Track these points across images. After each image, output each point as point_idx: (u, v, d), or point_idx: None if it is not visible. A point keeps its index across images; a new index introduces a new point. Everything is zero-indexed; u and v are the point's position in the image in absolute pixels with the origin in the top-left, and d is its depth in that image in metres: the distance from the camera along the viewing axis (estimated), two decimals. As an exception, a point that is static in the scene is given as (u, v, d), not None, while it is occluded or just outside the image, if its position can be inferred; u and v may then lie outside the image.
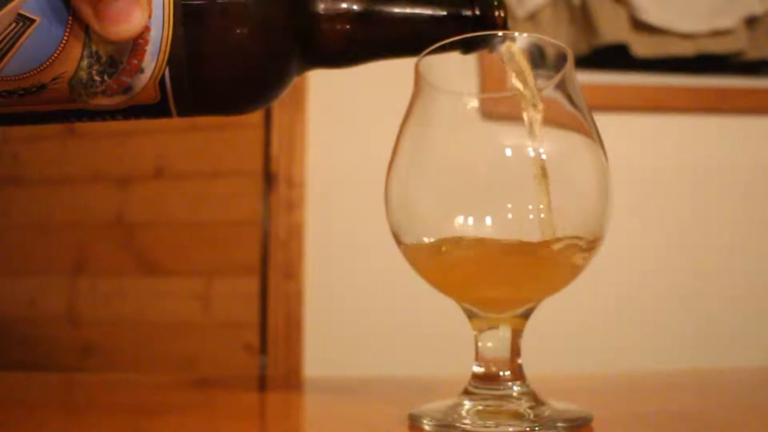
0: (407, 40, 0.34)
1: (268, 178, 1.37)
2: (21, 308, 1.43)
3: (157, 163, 1.42)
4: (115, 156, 1.45)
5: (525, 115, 0.33)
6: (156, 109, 0.31)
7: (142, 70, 0.29)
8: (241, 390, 0.53)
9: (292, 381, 1.02)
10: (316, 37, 0.33)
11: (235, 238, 1.37)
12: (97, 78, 0.28)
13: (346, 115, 1.37)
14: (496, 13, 0.34)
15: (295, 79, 0.35)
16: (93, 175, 1.45)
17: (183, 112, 0.31)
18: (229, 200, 1.39)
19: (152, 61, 0.28)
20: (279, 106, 1.38)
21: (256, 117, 1.40)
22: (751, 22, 1.39)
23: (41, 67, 0.27)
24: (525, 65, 0.33)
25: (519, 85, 0.33)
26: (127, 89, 0.29)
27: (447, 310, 0.52)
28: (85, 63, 0.28)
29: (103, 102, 0.29)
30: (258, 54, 0.31)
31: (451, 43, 0.34)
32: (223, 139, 1.41)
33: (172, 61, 0.29)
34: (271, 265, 1.34)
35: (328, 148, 1.37)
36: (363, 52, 0.34)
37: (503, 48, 0.34)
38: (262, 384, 0.73)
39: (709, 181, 1.36)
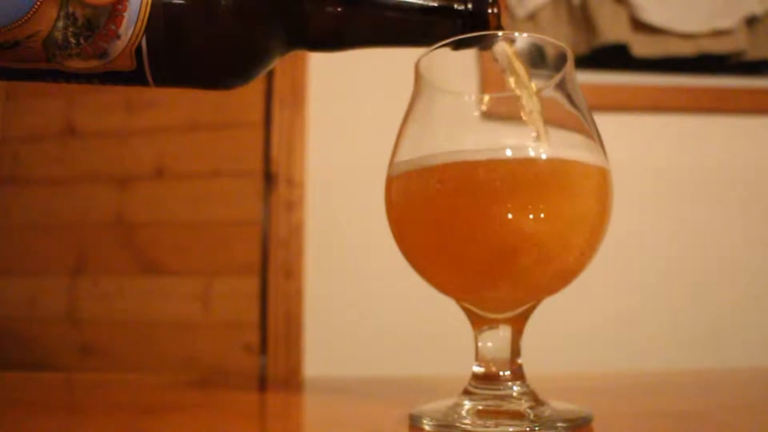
0: (395, 29, 0.33)
1: (268, 178, 1.37)
2: (21, 308, 1.43)
3: (157, 163, 1.42)
4: (115, 156, 1.45)
5: (523, 115, 0.33)
6: (132, 77, 0.30)
7: (118, 36, 0.28)
8: (241, 390, 0.53)
9: (292, 381, 1.02)
10: (303, 17, 0.32)
11: (235, 238, 1.37)
12: (72, 40, 0.28)
13: (346, 115, 1.37)
14: (489, 10, 0.33)
15: (277, 59, 0.34)
16: (93, 175, 1.45)
17: (160, 82, 0.31)
18: (229, 200, 1.39)
19: (129, 28, 0.28)
20: (279, 106, 1.38)
21: (256, 117, 1.40)
22: (751, 22, 1.39)
23: (16, 24, 0.27)
24: (520, 66, 0.33)
25: (513, 86, 0.33)
26: (103, 54, 0.29)
27: (447, 310, 0.52)
28: (60, 24, 0.28)
29: (78, 65, 0.29)
30: (239, 30, 0.31)
31: (446, 41, 0.33)
32: (223, 139, 1.41)
33: (150, 30, 0.29)
34: (271, 265, 1.34)
35: (328, 148, 1.37)
36: (348, 38, 0.34)
37: (497, 48, 0.33)
38: (262, 384, 0.73)
39: (709, 181, 1.36)
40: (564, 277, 0.35)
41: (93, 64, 0.29)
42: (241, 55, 0.32)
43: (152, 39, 0.29)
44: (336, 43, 0.34)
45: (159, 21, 0.29)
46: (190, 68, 0.31)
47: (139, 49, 0.29)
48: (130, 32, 0.28)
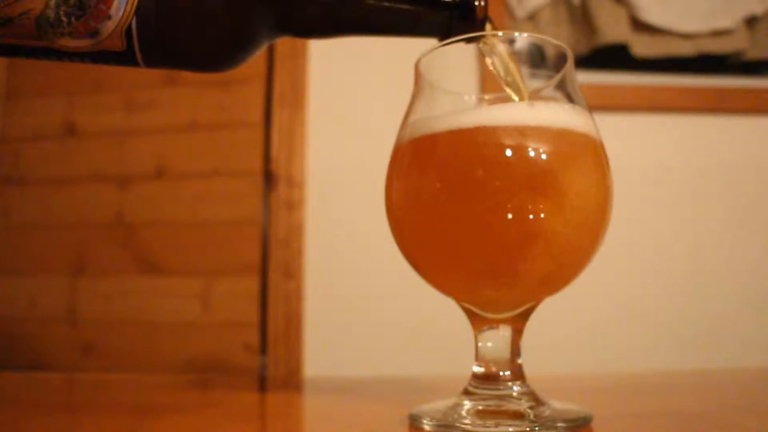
0: (383, 17, 0.34)
1: (268, 178, 1.37)
2: (21, 308, 1.43)
3: (157, 163, 1.42)
4: (115, 156, 1.45)
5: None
6: (123, 57, 0.31)
7: (109, 17, 0.29)
8: (241, 390, 0.53)
9: (292, 381, 1.02)
10: (292, 3, 0.33)
11: (235, 238, 1.37)
12: (64, 19, 0.29)
13: (346, 115, 1.37)
14: (477, 2, 0.33)
15: (265, 45, 0.34)
16: (93, 175, 1.45)
17: (149, 63, 0.32)
18: (229, 200, 1.39)
19: (120, 9, 0.29)
20: (279, 106, 1.38)
21: (256, 117, 1.40)
22: (751, 22, 1.39)
23: (9, 1, 0.28)
24: (509, 61, 0.33)
25: (503, 82, 0.33)
26: (94, 34, 0.29)
27: (447, 310, 0.52)
28: (53, 2, 0.28)
29: (70, 43, 0.30)
30: (228, 13, 0.31)
31: (445, 41, 0.33)
32: (223, 139, 1.41)
33: (140, 11, 0.29)
34: (271, 265, 1.34)
35: (328, 148, 1.37)
36: (337, 25, 0.34)
37: (486, 42, 0.33)
38: (262, 384, 0.73)
39: (709, 181, 1.36)
40: (564, 276, 0.35)
41: (84, 43, 0.30)
42: (229, 38, 0.32)
43: (142, 20, 0.29)
44: (324, 29, 0.34)
45: (149, 2, 0.29)
46: (179, 50, 0.32)
47: (129, 30, 0.30)
48: (120, 13, 0.29)
